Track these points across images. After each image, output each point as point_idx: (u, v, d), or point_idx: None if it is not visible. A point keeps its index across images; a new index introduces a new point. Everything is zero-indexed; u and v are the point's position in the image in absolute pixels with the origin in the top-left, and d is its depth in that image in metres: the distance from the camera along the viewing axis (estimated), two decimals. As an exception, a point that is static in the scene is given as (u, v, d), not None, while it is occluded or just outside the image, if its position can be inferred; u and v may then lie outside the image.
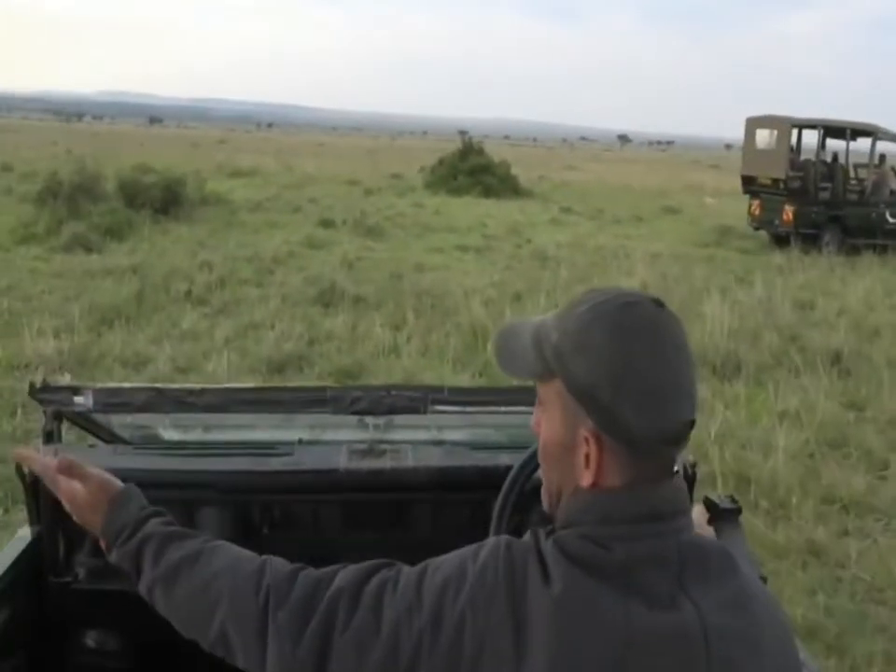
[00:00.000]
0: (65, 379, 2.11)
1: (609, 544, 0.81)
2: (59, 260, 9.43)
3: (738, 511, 1.31)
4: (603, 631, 0.77)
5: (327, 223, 13.75)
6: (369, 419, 1.72)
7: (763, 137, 14.06)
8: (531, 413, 0.98)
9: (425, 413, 1.68)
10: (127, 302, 7.42)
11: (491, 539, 0.86)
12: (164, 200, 12.66)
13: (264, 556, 0.93)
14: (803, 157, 14.39)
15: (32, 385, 1.63)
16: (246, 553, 0.95)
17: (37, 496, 1.55)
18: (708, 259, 12.46)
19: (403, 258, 10.96)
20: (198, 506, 1.60)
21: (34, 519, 1.59)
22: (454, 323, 7.30)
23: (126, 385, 1.75)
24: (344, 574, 0.88)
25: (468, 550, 0.86)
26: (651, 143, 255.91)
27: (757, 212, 14.24)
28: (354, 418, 1.71)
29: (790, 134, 13.63)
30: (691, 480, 1.58)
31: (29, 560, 1.56)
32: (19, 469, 1.49)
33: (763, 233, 14.65)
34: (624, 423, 0.81)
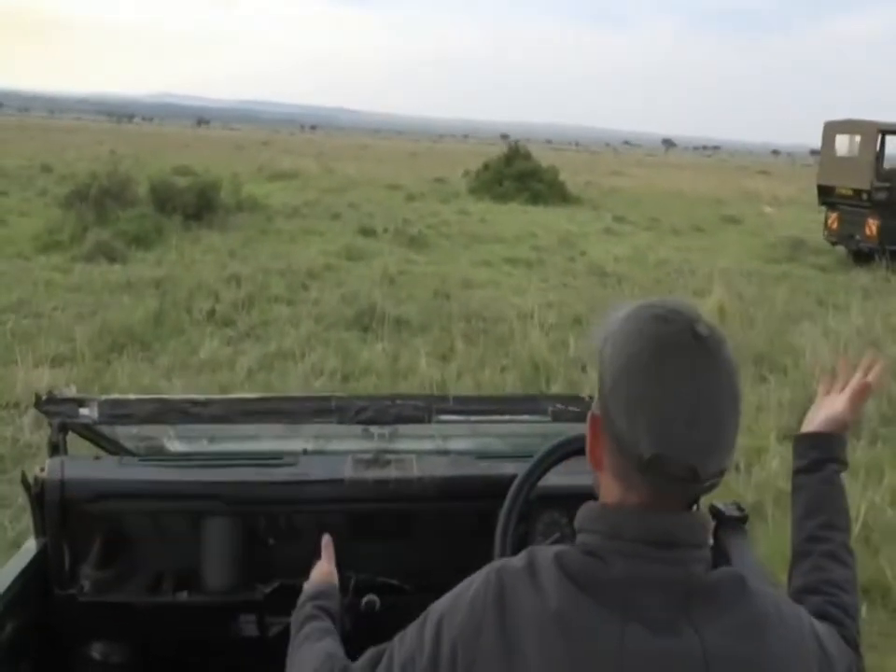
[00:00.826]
0: (71, 390, 1.98)
1: (610, 559, 0.80)
2: (78, 271, 8.72)
3: (745, 518, 1.44)
4: (597, 652, 0.77)
5: (367, 231, 12.93)
6: (374, 429, 1.72)
7: (844, 143, 12.82)
8: (536, 422, 1.41)
9: (429, 422, 1.68)
10: (143, 324, 6.64)
11: (485, 568, 0.87)
12: (197, 205, 11.97)
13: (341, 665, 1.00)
14: (886, 165, 13.12)
15: (38, 397, 1.64)
16: (334, 654, 1.04)
17: (42, 508, 1.55)
18: (783, 277, 11.29)
19: (449, 272, 10.06)
20: (204, 517, 1.61)
21: (39, 531, 1.59)
22: (509, 353, 6.37)
23: (131, 396, 1.74)
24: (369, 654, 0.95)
25: (463, 583, 0.88)
26: (695, 148, 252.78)
27: (835, 225, 13.00)
28: (359, 428, 1.71)
29: (876, 140, 12.37)
30: (738, 520, 1.51)
31: (35, 572, 1.56)
32: (24, 480, 1.53)
33: (840, 249, 13.40)
34: (634, 445, 0.80)
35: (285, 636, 1.29)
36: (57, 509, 1.54)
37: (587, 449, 0.89)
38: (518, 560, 0.85)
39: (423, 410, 1.68)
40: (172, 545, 1.65)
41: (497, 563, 0.87)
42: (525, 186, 21.90)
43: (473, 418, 1.74)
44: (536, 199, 21.42)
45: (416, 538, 1.67)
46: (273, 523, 1.65)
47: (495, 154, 24.29)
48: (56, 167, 21.75)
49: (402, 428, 1.74)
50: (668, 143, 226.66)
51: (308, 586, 1.25)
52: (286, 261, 9.73)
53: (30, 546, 1.60)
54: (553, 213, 19.41)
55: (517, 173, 22.20)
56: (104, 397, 1.67)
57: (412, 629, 0.89)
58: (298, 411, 1.69)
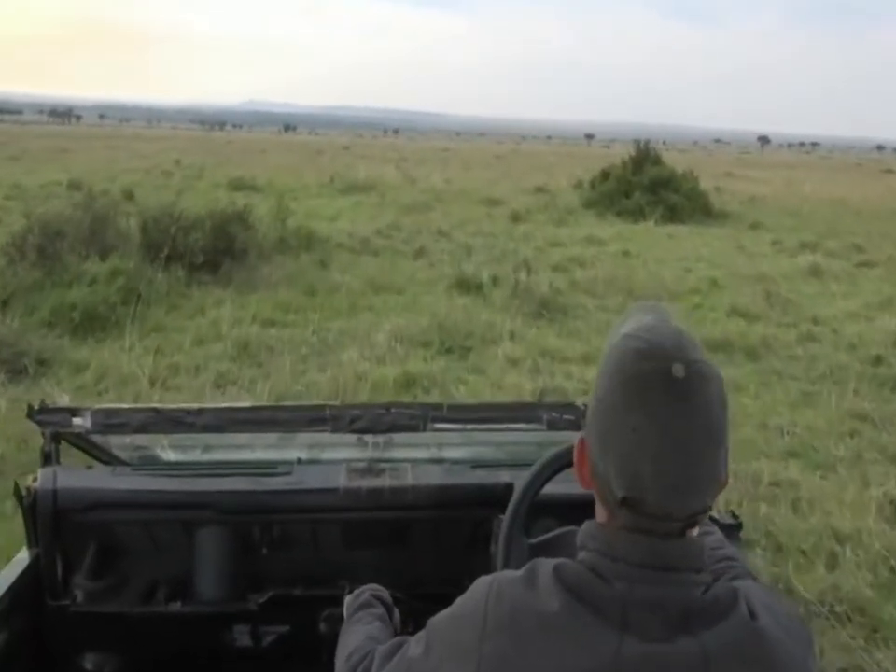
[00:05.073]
0: (64, 400, 1.94)
1: (610, 578, 0.80)
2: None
3: (739, 526, 1.47)
4: (594, 655, 0.77)
5: (467, 284, 8.44)
6: (368, 438, 1.70)
7: None
8: (531, 431, 1.40)
9: (424, 430, 1.65)
10: None
11: (485, 577, 0.88)
12: (212, 249, 7.80)
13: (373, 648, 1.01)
14: None
15: (30, 407, 1.61)
16: (376, 637, 1.08)
17: (35, 518, 1.54)
18: None
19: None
20: (197, 526, 1.60)
21: (32, 542, 1.58)
22: None
23: (124, 405, 1.70)
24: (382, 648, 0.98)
25: (465, 594, 0.88)
26: (791, 144, 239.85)
27: None
28: (353, 437, 1.69)
29: None
30: (732, 528, 1.48)
31: (27, 583, 1.54)
32: (17, 490, 1.53)
33: None
34: (607, 482, 0.81)
35: (278, 645, 1.58)
36: (50, 519, 1.54)
37: (576, 468, 0.89)
38: (518, 571, 0.86)
39: (417, 418, 1.64)
40: (165, 555, 1.64)
41: (496, 574, 0.89)
42: (659, 198, 17.04)
43: (468, 427, 1.69)
44: (674, 215, 16.57)
45: (411, 546, 1.66)
46: (266, 532, 1.64)
47: (582, 153, 19.59)
48: (92, 183, 18.23)
49: (397, 437, 1.70)
50: (764, 140, 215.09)
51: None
52: (326, 374, 5.32)
53: (22, 556, 1.59)
54: (705, 235, 14.53)
55: (648, 182, 17.33)
56: (96, 406, 1.64)
57: (419, 637, 0.90)
58: (292, 420, 1.66)
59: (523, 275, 8.33)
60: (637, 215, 16.53)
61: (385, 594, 1.23)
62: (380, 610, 1.17)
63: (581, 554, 0.84)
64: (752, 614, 0.81)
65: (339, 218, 14.79)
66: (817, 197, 24.14)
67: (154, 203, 8.77)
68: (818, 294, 9.26)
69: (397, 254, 10.66)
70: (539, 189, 22.78)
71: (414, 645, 0.89)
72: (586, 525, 0.87)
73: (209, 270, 7.80)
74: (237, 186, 19.57)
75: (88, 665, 1.64)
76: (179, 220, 7.74)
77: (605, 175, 18.95)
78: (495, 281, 8.61)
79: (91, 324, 6.08)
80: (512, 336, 6.53)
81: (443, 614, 0.88)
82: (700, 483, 0.79)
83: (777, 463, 4.36)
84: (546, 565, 0.84)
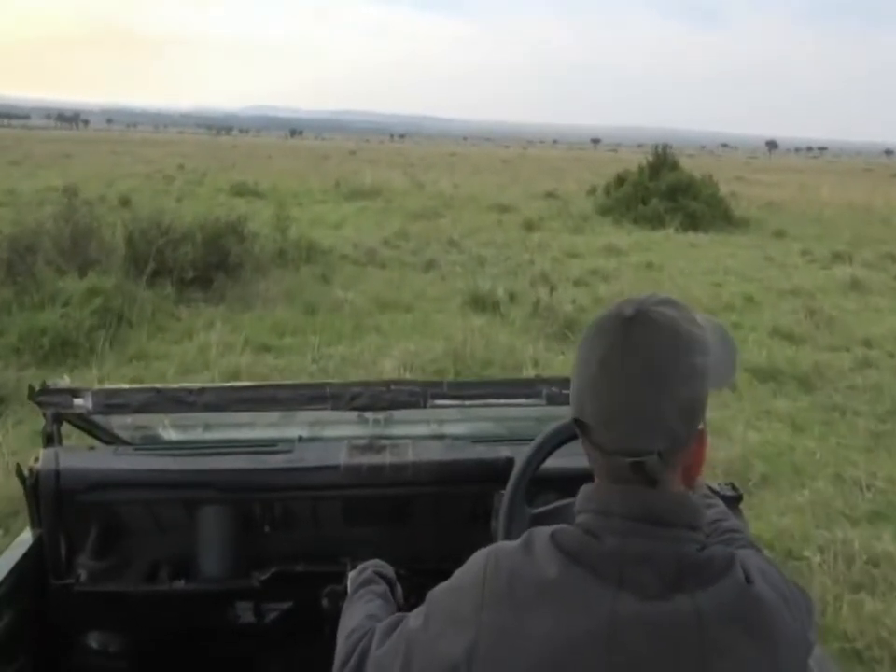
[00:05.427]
0: (65, 381, 1.67)
1: (602, 535, 0.82)
2: None
3: (739, 498, 1.48)
4: (590, 618, 0.78)
5: (483, 301, 7.72)
6: (368, 415, 1.70)
7: None
8: (530, 406, 1.40)
9: (424, 407, 1.65)
10: None
11: (483, 549, 0.89)
12: (203, 263, 7.10)
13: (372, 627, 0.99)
14: None
15: (31, 388, 1.61)
16: (378, 615, 1.06)
17: (38, 499, 1.55)
18: None
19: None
20: (199, 505, 1.61)
21: (35, 522, 1.59)
22: None
23: (125, 385, 1.70)
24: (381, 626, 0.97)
25: (463, 566, 0.89)
26: (798, 149, 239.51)
27: None
28: (354, 414, 1.69)
29: None
30: (732, 500, 1.48)
31: (31, 563, 1.55)
32: (19, 471, 1.53)
33: None
34: (588, 430, 0.85)
35: (281, 622, 1.60)
36: (52, 499, 1.55)
37: None
38: (516, 541, 0.87)
39: (418, 395, 1.64)
40: (167, 534, 1.65)
41: (494, 545, 0.90)
42: (678, 204, 16.32)
43: (468, 403, 1.69)
44: (694, 222, 15.84)
45: (412, 523, 1.68)
46: (268, 510, 1.65)
47: (589, 158, 18.91)
48: (93, 188, 17.57)
49: (397, 414, 1.70)
50: (772, 144, 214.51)
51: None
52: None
53: (25, 537, 1.60)
54: (729, 244, 13.82)
55: (667, 188, 16.61)
56: (97, 387, 1.64)
57: (418, 610, 0.90)
58: (292, 398, 1.65)
59: (542, 291, 7.62)
60: (655, 222, 15.83)
61: (389, 569, 1.23)
62: (382, 587, 1.16)
63: (578, 518, 0.86)
64: (748, 579, 0.81)
65: (344, 226, 14.12)
66: (835, 202, 23.38)
67: (150, 210, 8.10)
68: (861, 310, 8.53)
69: (405, 266, 9.96)
70: (550, 195, 22.09)
71: (413, 618, 0.90)
72: (583, 489, 0.89)
73: (200, 286, 7.10)
74: (239, 191, 18.91)
75: (92, 644, 1.66)
76: (168, 232, 7.04)
77: (620, 180, 18.23)
78: (512, 298, 7.91)
79: (64, 350, 5.39)
80: (536, 363, 5.81)
81: (442, 586, 0.89)
82: (638, 422, 0.81)
83: (864, 529, 3.63)
84: (543, 532, 0.86)
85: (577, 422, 0.85)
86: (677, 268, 10.63)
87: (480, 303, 7.68)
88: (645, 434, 0.81)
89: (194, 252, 7.03)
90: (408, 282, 8.89)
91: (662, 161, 17.57)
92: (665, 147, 17.97)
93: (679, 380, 0.81)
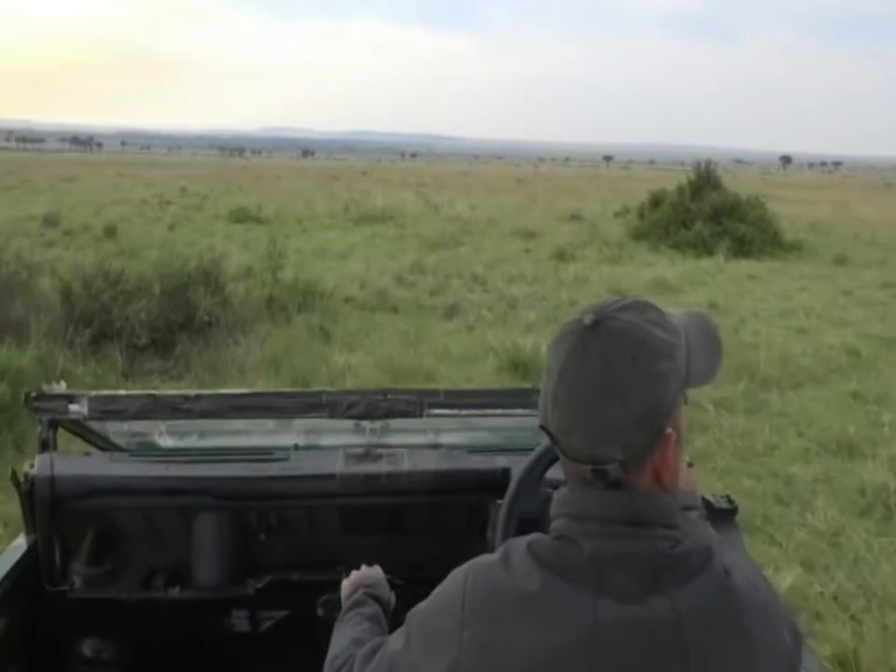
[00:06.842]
0: (60, 387, 1.64)
1: (579, 541, 0.81)
2: None
3: (734, 510, 1.45)
4: (573, 630, 0.77)
5: (522, 367, 5.98)
6: (365, 423, 1.69)
7: None
8: (527, 416, 1.30)
9: (421, 416, 1.65)
10: None
11: (461, 566, 0.88)
12: (164, 323, 5.44)
13: (354, 652, 0.99)
14: None
15: (27, 394, 1.59)
16: (363, 639, 1.03)
17: (33, 504, 1.54)
18: None
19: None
20: (195, 512, 1.60)
21: (30, 528, 1.57)
22: None
23: (121, 392, 1.68)
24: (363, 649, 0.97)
25: (442, 583, 0.88)
26: (812, 164, 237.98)
27: None
28: (350, 423, 1.68)
29: None
30: (728, 513, 1.48)
31: (25, 569, 1.54)
32: (14, 477, 1.51)
33: None
34: (552, 437, 0.84)
35: (276, 630, 1.60)
36: (47, 505, 1.53)
37: None
38: (493, 555, 0.86)
39: (414, 404, 1.63)
40: (163, 541, 1.65)
41: (472, 560, 0.88)
42: (724, 228, 14.61)
43: (464, 412, 1.69)
44: (742, 248, 14.13)
45: (408, 531, 1.69)
46: (264, 518, 1.64)
47: (604, 175, 17.38)
48: (70, 219, 16.05)
49: (394, 423, 1.70)
50: (786, 159, 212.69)
51: (356, 576, 1.22)
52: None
53: (20, 543, 1.59)
54: (790, 274, 12.10)
55: (711, 209, 14.90)
56: (93, 393, 1.61)
57: (399, 632, 0.89)
58: (289, 406, 1.65)
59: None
60: (700, 248, 14.14)
61: (382, 588, 1.20)
62: (371, 609, 1.13)
63: (553, 524, 0.85)
64: (727, 573, 0.80)
65: (351, 256, 12.51)
66: (880, 220, 21.60)
67: (139, 239, 6.48)
68: None
69: (422, 310, 8.30)
70: (575, 216, 20.47)
71: (394, 640, 0.89)
72: (557, 493, 0.87)
73: (158, 352, 5.45)
74: (239, 217, 17.35)
75: (86, 651, 1.65)
76: (119, 282, 5.40)
77: (656, 201, 16.55)
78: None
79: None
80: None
81: (421, 606, 0.88)
82: (593, 433, 0.80)
83: None
84: (519, 543, 0.85)
85: (543, 428, 0.85)
86: (746, 309, 8.91)
87: (520, 368, 5.97)
88: (601, 444, 0.80)
89: (151, 308, 5.37)
90: (427, 334, 7.21)
91: (704, 179, 15.88)
92: (709, 163, 16.26)
93: (636, 389, 0.79)
